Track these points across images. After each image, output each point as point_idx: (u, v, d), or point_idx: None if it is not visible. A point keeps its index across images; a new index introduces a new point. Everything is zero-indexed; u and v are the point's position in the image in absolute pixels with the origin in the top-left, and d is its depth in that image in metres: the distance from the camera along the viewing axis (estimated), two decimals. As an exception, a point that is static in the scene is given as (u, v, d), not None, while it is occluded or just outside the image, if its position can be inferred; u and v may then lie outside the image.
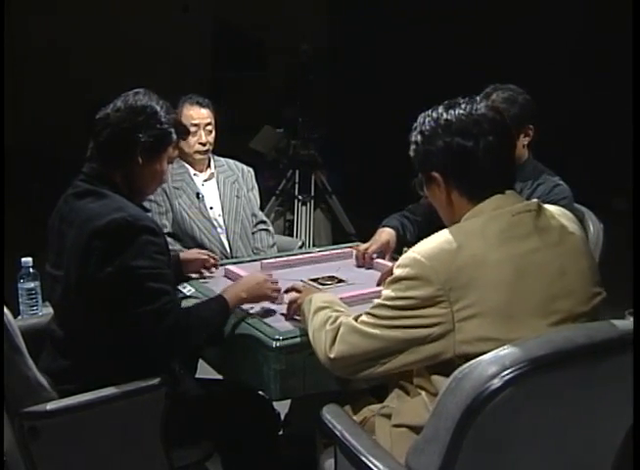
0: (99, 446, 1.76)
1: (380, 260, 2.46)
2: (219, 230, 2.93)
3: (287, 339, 1.74)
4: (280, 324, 1.86)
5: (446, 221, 1.63)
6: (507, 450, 1.35)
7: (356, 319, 1.58)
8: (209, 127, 2.93)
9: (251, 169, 3.16)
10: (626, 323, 1.42)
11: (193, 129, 2.83)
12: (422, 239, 1.55)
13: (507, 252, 1.45)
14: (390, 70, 6.69)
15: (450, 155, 1.53)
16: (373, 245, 2.47)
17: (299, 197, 4.74)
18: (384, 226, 2.53)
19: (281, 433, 2.36)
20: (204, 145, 2.92)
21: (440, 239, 1.49)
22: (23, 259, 2.26)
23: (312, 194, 4.80)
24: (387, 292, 1.53)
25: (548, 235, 1.51)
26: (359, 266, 2.48)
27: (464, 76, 5.92)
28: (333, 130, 6.15)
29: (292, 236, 4.52)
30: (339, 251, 2.68)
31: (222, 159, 3.12)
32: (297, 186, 4.77)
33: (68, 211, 1.86)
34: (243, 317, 1.91)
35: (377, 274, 2.34)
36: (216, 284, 2.26)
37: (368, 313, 1.55)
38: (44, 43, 6.32)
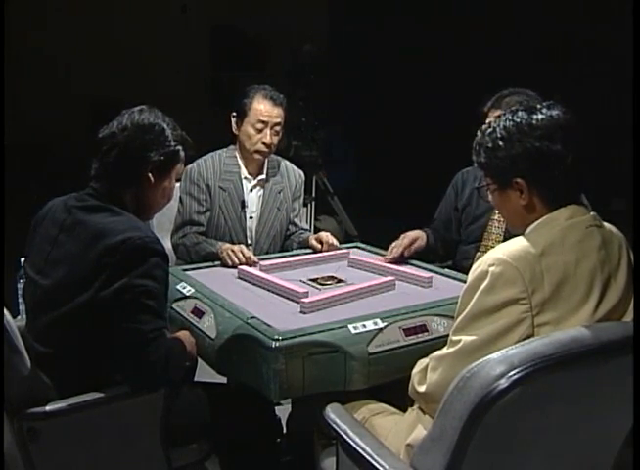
0: (98, 446, 1.75)
1: (380, 263, 2.46)
2: (248, 242, 2.77)
3: (286, 339, 1.72)
4: (279, 324, 1.86)
5: (515, 226, 1.61)
6: (513, 450, 1.34)
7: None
8: (277, 128, 2.69)
9: (302, 175, 2.94)
10: (632, 324, 1.42)
11: (259, 126, 2.66)
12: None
13: (584, 263, 1.45)
14: (391, 69, 6.69)
15: (538, 159, 1.50)
16: (405, 239, 2.45)
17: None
18: None
19: (280, 433, 2.36)
20: (267, 146, 2.68)
21: (523, 243, 1.47)
22: (23, 259, 2.25)
23: (314, 195, 4.79)
24: (466, 299, 1.49)
25: (611, 252, 1.51)
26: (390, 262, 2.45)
27: (464, 76, 5.94)
28: (333, 131, 6.14)
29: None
30: (337, 251, 2.68)
31: (276, 159, 2.86)
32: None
33: (71, 222, 1.81)
34: (243, 317, 1.91)
35: (376, 276, 2.34)
36: (214, 282, 2.26)
37: (451, 339, 1.51)
38: (42, 43, 6.31)
